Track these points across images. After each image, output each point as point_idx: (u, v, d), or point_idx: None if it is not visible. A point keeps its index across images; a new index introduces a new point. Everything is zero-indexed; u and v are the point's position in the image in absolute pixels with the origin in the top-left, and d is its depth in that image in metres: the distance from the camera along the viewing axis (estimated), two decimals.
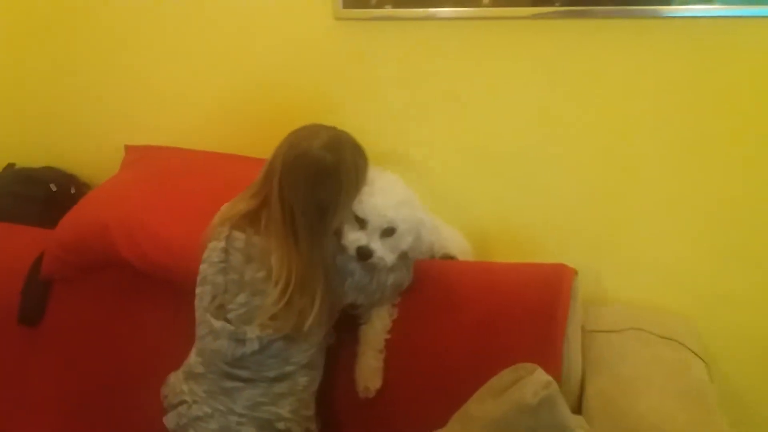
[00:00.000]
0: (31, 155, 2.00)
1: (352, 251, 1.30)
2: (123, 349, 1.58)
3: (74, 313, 1.63)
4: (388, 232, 1.32)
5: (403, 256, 1.36)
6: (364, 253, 1.30)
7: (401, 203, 1.32)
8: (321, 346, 1.34)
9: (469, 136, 1.69)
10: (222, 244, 1.29)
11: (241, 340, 1.26)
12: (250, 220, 1.30)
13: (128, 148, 1.86)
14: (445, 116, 1.69)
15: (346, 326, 1.40)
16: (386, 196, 1.31)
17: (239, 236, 1.30)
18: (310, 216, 1.25)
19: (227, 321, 1.27)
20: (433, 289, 1.42)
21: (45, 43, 1.94)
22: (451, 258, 1.54)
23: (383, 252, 1.31)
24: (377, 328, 1.36)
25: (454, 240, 1.59)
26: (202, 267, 1.32)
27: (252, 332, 1.25)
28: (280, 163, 1.25)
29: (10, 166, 2.01)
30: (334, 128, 1.31)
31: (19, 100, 2.01)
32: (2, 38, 1.96)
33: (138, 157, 1.82)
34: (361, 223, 1.31)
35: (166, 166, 1.75)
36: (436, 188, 1.70)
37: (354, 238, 1.30)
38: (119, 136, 1.89)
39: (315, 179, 1.25)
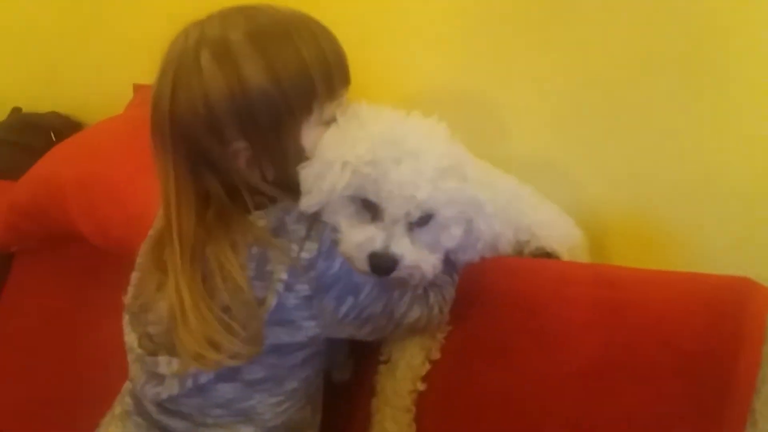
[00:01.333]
0: (37, 99, 1.69)
1: (360, 262, 0.76)
2: (83, 339, 1.19)
3: (33, 294, 1.28)
4: (423, 220, 0.78)
5: (446, 261, 0.83)
6: (382, 264, 0.76)
7: (444, 171, 0.77)
8: (308, 381, 0.84)
9: (581, 69, 1.13)
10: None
11: (157, 375, 0.79)
12: None
13: (137, 88, 1.49)
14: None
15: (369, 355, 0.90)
16: (417, 161, 0.75)
17: None
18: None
19: (147, 338, 0.81)
20: (511, 310, 0.89)
21: None
22: (550, 256, 1.00)
23: (417, 256, 0.77)
24: (402, 375, 0.84)
25: (556, 227, 1.05)
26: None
27: (168, 366, 0.78)
28: None
29: (16, 110, 1.70)
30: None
31: (25, 38, 1.71)
32: None
33: (146, 98, 1.41)
34: (373, 210, 0.77)
35: None
36: (525, 150, 1.16)
37: (360, 238, 0.76)
38: (130, 75, 1.50)
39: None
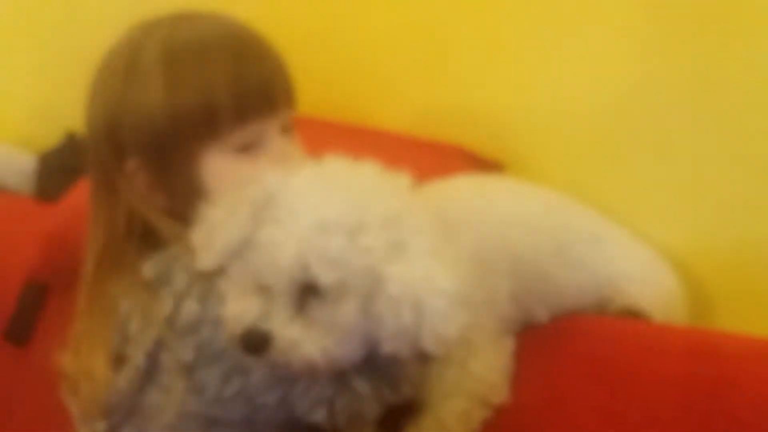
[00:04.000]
0: None
1: (233, 338, 0.63)
2: None
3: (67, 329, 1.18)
4: (309, 290, 0.62)
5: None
6: (251, 341, 0.62)
7: (326, 227, 0.61)
8: None
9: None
10: None
11: None
12: None
13: None
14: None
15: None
16: (294, 218, 0.62)
17: None
18: None
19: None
20: (584, 383, 0.76)
21: None
22: (638, 316, 0.84)
23: (296, 335, 0.61)
24: None
25: (646, 279, 0.89)
26: None
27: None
28: None
29: (70, 136, 1.66)
30: None
31: (85, 66, 1.65)
32: None
33: None
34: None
35: None
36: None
37: (237, 310, 0.63)
38: None
39: None
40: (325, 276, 0.60)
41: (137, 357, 0.69)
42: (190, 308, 0.66)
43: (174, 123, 0.69)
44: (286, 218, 0.62)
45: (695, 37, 0.95)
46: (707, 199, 0.98)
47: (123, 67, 0.71)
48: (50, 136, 1.60)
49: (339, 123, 1.22)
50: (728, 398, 0.71)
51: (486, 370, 0.74)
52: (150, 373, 0.69)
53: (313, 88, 1.18)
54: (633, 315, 0.85)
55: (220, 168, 0.71)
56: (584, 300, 0.85)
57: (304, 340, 0.61)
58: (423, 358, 0.68)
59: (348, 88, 1.25)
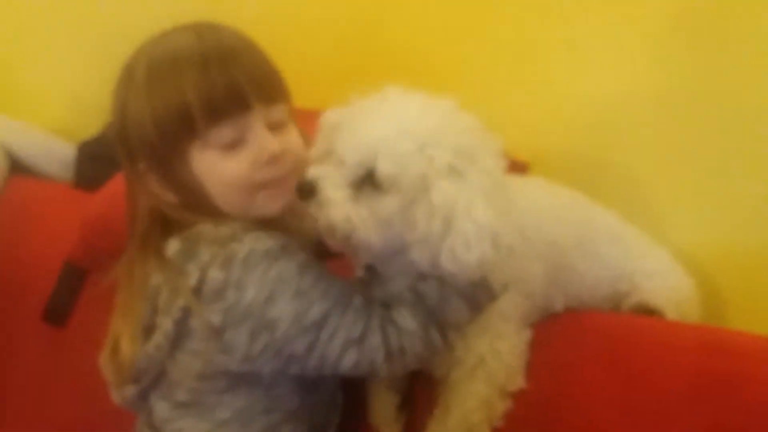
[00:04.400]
0: None
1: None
2: None
3: (105, 312, 1.21)
4: (369, 179, 0.71)
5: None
6: (303, 187, 0.73)
7: (403, 134, 0.70)
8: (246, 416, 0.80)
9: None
10: None
11: None
12: None
13: None
14: None
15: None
16: (383, 118, 0.71)
17: None
18: None
19: None
20: (601, 375, 0.77)
21: None
22: (653, 313, 0.86)
23: (338, 195, 0.71)
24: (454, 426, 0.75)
25: (662, 278, 0.90)
26: None
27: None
28: None
29: (108, 127, 1.68)
30: None
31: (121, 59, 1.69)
32: None
33: None
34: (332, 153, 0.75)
35: None
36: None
37: (312, 170, 0.74)
38: None
39: None
40: (383, 167, 0.69)
41: (167, 324, 0.76)
42: (215, 276, 0.72)
43: (158, 128, 0.76)
44: (377, 120, 0.72)
45: (719, 43, 0.96)
46: (723, 202, 0.99)
47: (124, 81, 0.79)
48: (90, 126, 1.64)
49: None
50: (739, 392, 0.73)
51: (506, 358, 0.77)
52: (178, 339, 0.77)
53: (345, 90, 1.25)
54: (647, 312, 0.87)
55: (208, 165, 0.77)
56: (600, 292, 0.88)
57: (342, 206, 0.71)
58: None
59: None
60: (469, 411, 0.75)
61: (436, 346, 0.74)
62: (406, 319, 0.73)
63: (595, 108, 1.07)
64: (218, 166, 0.77)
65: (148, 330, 0.80)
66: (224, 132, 0.76)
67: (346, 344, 0.72)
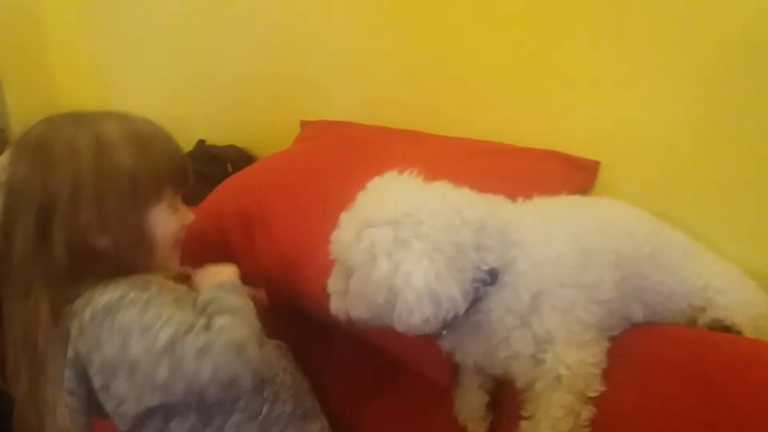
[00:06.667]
0: (219, 133, 1.82)
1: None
2: None
3: None
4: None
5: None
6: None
7: (365, 219, 0.79)
8: None
9: None
10: None
11: None
12: None
13: (303, 124, 1.57)
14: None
15: None
16: (360, 209, 0.82)
17: None
18: None
19: None
20: (679, 389, 0.77)
21: None
22: (729, 330, 0.86)
23: (338, 293, 0.84)
24: None
25: (736, 293, 0.90)
26: None
27: None
28: None
29: (201, 142, 1.85)
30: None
31: (215, 80, 1.84)
32: None
33: (312, 133, 1.53)
34: None
35: (332, 143, 1.37)
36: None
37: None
38: (298, 112, 1.59)
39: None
40: (344, 257, 0.81)
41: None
42: (80, 347, 0.81)
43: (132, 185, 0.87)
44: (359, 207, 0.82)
45: None
46: None
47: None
48: (183, 143, 1.75)
49: (451, 138, 1.31)
50: None
51: (588, 366, 0.79)
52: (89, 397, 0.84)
53: (434, 109, 1.32)
54: (724, 329, 0.86)
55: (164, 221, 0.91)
56: (674, 305, 0.88)
57: (340, 298, 0.83)
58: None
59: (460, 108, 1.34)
60: (557, 420, 0.78)
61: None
62: (223, 318, 0.81)
63: (662, 126, 1.09)
64: (170, 222, 0.93)
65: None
66: (174, 198, 0.93)
67: (198, 355, 0.77)
